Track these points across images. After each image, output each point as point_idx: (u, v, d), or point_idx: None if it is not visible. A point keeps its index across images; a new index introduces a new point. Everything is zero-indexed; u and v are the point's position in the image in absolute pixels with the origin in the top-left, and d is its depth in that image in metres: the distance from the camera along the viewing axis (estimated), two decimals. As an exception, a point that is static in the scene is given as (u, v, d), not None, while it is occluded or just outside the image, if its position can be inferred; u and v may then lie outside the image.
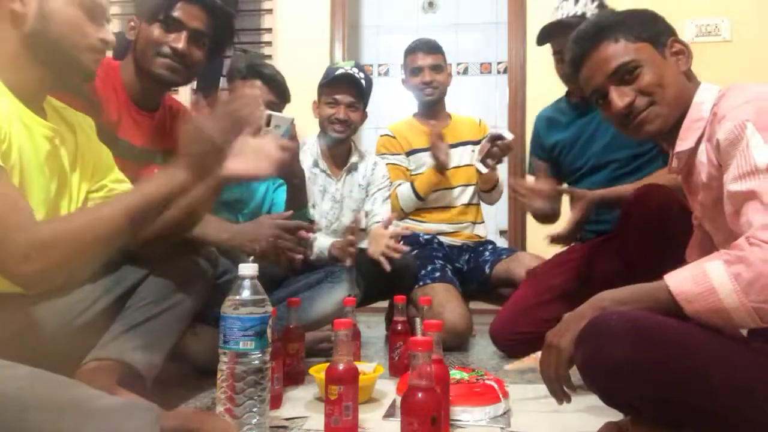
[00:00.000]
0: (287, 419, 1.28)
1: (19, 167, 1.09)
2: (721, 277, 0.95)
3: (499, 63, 4.02)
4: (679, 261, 1.20)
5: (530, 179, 2.19)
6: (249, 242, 1.72)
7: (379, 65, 4.16)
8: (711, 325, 0.97)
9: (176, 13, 1.56)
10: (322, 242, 2.14)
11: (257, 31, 3.48)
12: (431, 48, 2.55)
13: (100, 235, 1.08)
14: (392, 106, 3.35)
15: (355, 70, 2.26)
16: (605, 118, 1.29)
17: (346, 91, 2.24)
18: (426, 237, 2.47)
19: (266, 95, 1.97)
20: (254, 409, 1.02)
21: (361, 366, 1.39)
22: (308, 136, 2.35)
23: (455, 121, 2.65)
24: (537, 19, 2.15)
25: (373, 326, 2.65)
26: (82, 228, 1.07)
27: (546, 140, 2.13)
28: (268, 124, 1.56)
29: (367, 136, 3.64)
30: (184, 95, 3.29)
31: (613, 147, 1.95)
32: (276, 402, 1.33)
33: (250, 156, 1.27)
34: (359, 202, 2.40)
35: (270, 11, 3.45)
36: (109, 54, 1.31)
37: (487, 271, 2.39)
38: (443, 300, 2.18)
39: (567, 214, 1.90)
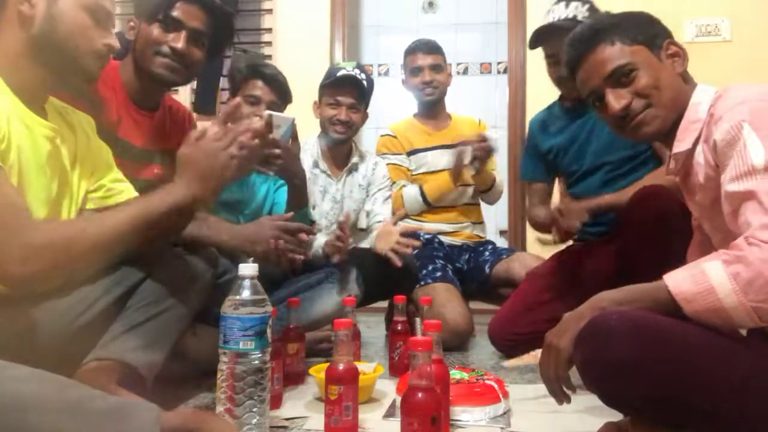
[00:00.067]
0: (287, 419, 1.28)
1: (18, 167, 1.09)
2: (720, 277, 0.95)
3: (499, 63, 4.02)
4: (679, 261, 1.20)
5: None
6: (249, 244, 1.72)
7: (379, 65, 4.16)
8: (710, 325, 0.97)
9: (175, 13, 1.56)
10: (319, 241, 2.14)
11: (257, 31, 3.48)
12: (431, 48, 2.55)
13: (99, 243, 1.09)
14: (392, 106, 3.35)
15: (357, 71, 2.26)
16: (602, 120, 1.29)
17: (347, 92, 2.24)
18: (426, 237, 2.47)
19: (267, 95, 1.97)
20: (254, 409, 1.02)
21: (361, 366, 1.39)
22: (308, 136, 2.35)
23: (455, 121, 2.65)
24: (537, 19, 2.15)
25: (373, 326, 2.65)
26: (81, 234, 1.07)
27: (541, 145, 2.13)
28: (268, 124, 1.56)
29: (368, 136, 3.64)
30: (184, 95, 3.29)
31: (608, 149, 1.96)
32: (276, 402, 1.33)
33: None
34: (359, 203, 2.40)
35: (270, 11, 3.45)
36: (109, 55, 1.31)
37: (487, 270, 2.39)
38: (444, 300, 2.18)
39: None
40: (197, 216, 1.48)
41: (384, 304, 2.41)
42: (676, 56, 1.21)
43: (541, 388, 1.13)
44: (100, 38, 1.19)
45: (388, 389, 1.47)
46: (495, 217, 3.36)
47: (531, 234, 3.10)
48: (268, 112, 1.61)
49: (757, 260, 0.92)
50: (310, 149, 2.31)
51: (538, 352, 1.13)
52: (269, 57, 3.33)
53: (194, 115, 2.05)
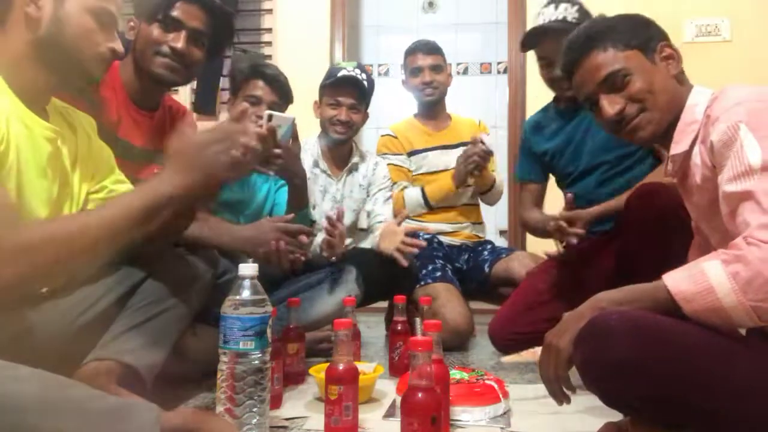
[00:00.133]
0: (287, 419, 1.28)
1: (17, 168, 1.09)
2: (719, 276, 0.95)
3: (499, 63, 4.02)
4: (679, 259, 1.20)
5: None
6: (250, 245, 1.72)
7: (379, 65, 4.16)
8: (709, 325, 0.97)
9: (175, 13, 1.56)
10: (316, 240, 2.14)
11: (257, 31, 3.48)
12: (431, 49, 2.55)
13: (88, 243, 1.05)
14: (392, 106, 3.35)
15: (358, 71, 2.26)
16: (598, 124, 1.29)
17: (348, 92, 2.24)
18: (426, 236, 2.47)
19: (269, 96, 1.97)
20: (254, 409, 1.02)
21: (361, 366, 1.39)
22: (309, 136, 2.35)
23: (455, 122, 2.65)
24: (537, 19, 2.16)
25: (373, 326, 2.65)
26: (69, 234, 1.03)
27: (535, 147, 2.14)
28: (269, 123, 1.56)
29: (368, 136, 3.64)
30: (184, 95, 3.29)
31: (603, 149, 1.96)
32: (276, 402, 1.33)
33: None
34: (360, 203, 2.40)
35: (270, 11, 3.45)
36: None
37: (487, 270, 2.39)
38: (444, 300, 2.18)
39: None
40: (198, 216, 1.48)
41: (384, 304, 2.41)
42: (671, 58, 1.21)
43: (541, 388, 1.13)
44: (105, 42, 1.19)
45: (388, 389, 1.47)
46: (495, 217, 3.36)
47: (531, 234, 3.11)
48: (268, 112, 1.61)
49: (756, 260, 0.92)
50: (311, 149, 2.31)
51: (537, 349, 1.13)
52: (269, 57, 3.33)
53: (194, 115, 2.05)
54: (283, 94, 2.00)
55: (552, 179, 2.20)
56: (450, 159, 2.47)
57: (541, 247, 2.16)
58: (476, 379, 1.37)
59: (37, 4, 1.13)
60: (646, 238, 1.59)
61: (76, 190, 1.25)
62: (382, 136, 2.63)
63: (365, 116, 2.33)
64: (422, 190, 2.48)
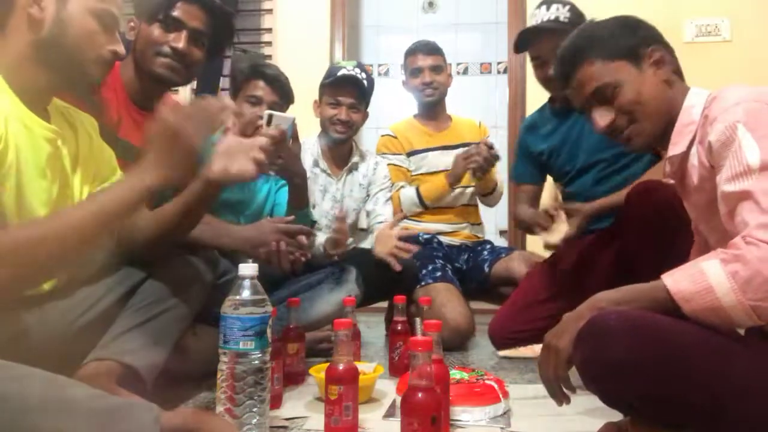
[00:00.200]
0: (287, 419, 1.29)
1: (16, 168, 1.09)
2: (718, 276, 0.95)
3: (499, 63, 4.02)
4: (680, 259, 1.21)
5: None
6: (251, 247, 1.73)
7: (379, 65, 4.16)
8: (709, 324, 0.97)
9: (176, 13, 1.56)
10: (320, 239, 2.14)
11: (257, 31, 3.48)
12: (431, 49, 2.55)
13: (67, 243, 1.04)
14: (392, 106, 3.36)
15: (357, 70, 2.26)
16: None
17: (348, 92, 2.24)
18: (426, 237, 2.48)
19: (269, 96, 1.97)
20: (254, 409, 1.02)
21: (361, 366, 1.39)
22: (308, 135, 2.35)
23: (456, 122, 2.65)
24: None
25: (373, 326, 2.65)
26: (47, 235, 1.02)
27: (531, 147, 2.14)
28: (269, 123, 1.56)
29: (368, 136, 3.64)
30: (184, 95, 3.29)
31: (599, 147, 1.96)
32: (276, 402, 1.33)
33: (238, 156, 1.23)
34: (360, 202, 2.41)
35: (270, 11, 3.45)
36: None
37: (486, 270, 2.39)
38: (445, 299, 2.18)
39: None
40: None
41: (384, 304, 2.42)
42: (660, 62, 1.21)
43: (541, 388, 1.13)
44: (107, 44, 1.19)
45: (388, 389, 1.47)
46: (495, 218, 3.36)
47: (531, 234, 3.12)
48: (268, 112, 1.61)
49: (755, 259, 0.92)
50: (310, 148, 2.31)
51: (536, 346, 1.13)
52: (269, 57, 3.33)
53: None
54: (283, 95, 2.00)
55: (549, 179, 2.20)
56: (450, 160, 2.47)
57: (541, 247, 2.16)
58: (476, 379, 1.37)
59: (40, 5, 1.13)
60: (645, 237, 1.59)
61: (76, 190, 1.25)
62: (382, 136, 2.63)
63: (365, 116, 2.33)
64: (417, 190, 2.48)
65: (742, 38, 3.07)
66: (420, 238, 2.47)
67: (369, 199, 2.42)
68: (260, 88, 1.97)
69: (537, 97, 2.21)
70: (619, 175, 1.93)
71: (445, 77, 2.56)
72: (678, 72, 1.24)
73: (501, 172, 2.66)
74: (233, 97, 2.04)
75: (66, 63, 1.17)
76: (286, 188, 1.96)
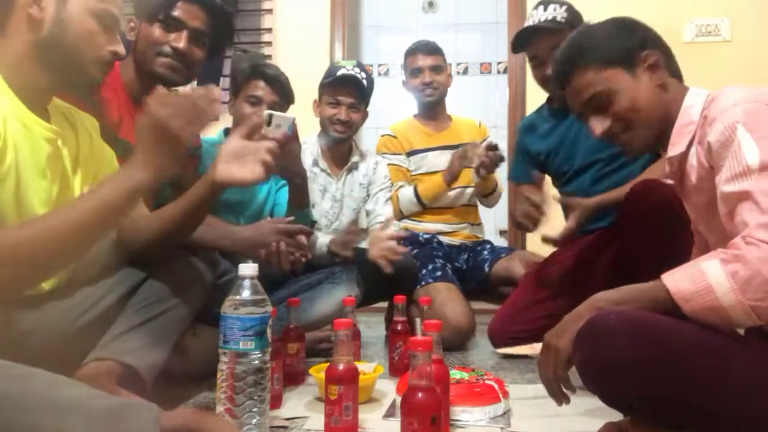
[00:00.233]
0: (287, 419, 1.29)
1: (15, 168, 1.09)
2: (718, 276, 0.95)
3: (499, 63, 4.02)
4: (679, 257, 1.21)
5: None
6: (251, 248, 1.73)
7: (379, 65, 4.16)
8: (708, 324, 0.98)
9: (176, 13, 1.56)
10: (322, 240, 2.14)
11: (257, 31, 3.48)
12: (431, 49, 2.56)
13: (52, 246, 1.02)
14: (392, 106, 3.36)
15: (357, 70, 2.26)
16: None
17: (347, 91, 2.24)
18: (425, 236, 2.48)
19: (269, 96, 1.97)
20: (254, 409, 1.02)
21: (361, 366, 1.39)
22: (308, 135, 2.35)
23: (456, 122, 2.65)
24: (536, 19, 2.17)
25: (373, 326, 2.65)
26: (41, 235, 1.01)
27: (530, 148, 2.14)
28: (269, 123, 1.56)
29: (368, 136, 3.64)
30: (184, 95, 3.29)
31: (597, 147, 1.96)
32: (276, 402, 1.33)
33: (245, 160, 1.22)
34: (360, 201, 2.41)
35: (270, 11, 3.45)
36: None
37: (487, 269, 2.40)
38: (445, 299, 2.19)
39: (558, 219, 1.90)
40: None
41: (384, 304, 2.42)
42: (655, 66, 1.20)
43: (542, 388, 1.13)
44: (107, 44, 1.19)
45: (388, 389, 1.47)
46: (495, 218, 3.36)
47: (531, 234, 3.11)
48: (268, 111, 1.61)
49: (755, 259, 0.92)
50: (310, 148, 2.31)
51: (536, 344, 1.14)
52: (269, 57, 3.33)
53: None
54: (283, 95, 2.01)
55: (548, 179, 2.20)
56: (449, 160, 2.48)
57: (541, 247, 2.16)
58: (476, 379, 1.37)
59: (40, 5, 1.13)
60: (645, 236, 1.59)
61: (76, 190, 1.24)
62: (382, 136, 2.63)
63: (365, 115, 2.33)
64: (415, 189, 2.48)
65: (742, 38, 3.07)
66: (420, 238, 2.47)
67: (369, 198, 2.42)
68: (260, 88, 1.98)
69: (537, 97, 2.21)
70: (616, 174, 1.94)
71: (445, 77, 2.56)
72: (675, 73, 1.23)
73: (500, 172, 2.66)
74: (233, 98, 2.04)
75: (66, 63, 1.16)
76: (286, 188, 1.96)
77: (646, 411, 1.00)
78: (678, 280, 0.99)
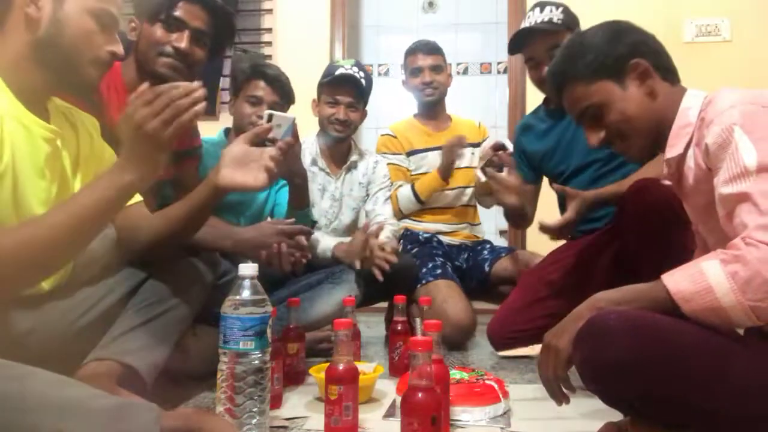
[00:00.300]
0: (287, 419, 1.29)
1: (12, 168, 1.09)
2: (718, 276, 0.95)
3: (499, 63, 4.02)
4: (678, 255, 1.21)
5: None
6: (252, 249, 1.73)
7: (379, 65, 4.16)
8: (708, 324, 0.98)
9: (178, 13, 1.56)
10: (325, 243, 2.13)
11: (257, 31, 3.48)
12: (431, 49, 2.56)
13: (37, 251, 1.01)
14: (392, 106, 3.35)
15: (355, 69, 2.26)
16: None
17: (346, 91, 2.24)
18: (425, 236, 2.48)
19: (269, 96, 1.97)
20: (254, 409, 1.02)
21: (361, 366, 1.40)
22: (307, 135, 2.35)
23: (455, 123, 2.65)
24: (537, 19, 2.17)
25: (373, 326, 2.65)
26: (17, 244, 1.00)
27: (527, 149, 2.14)
28: (269, 123, 1.56)
29: (367, 136, 3.64)
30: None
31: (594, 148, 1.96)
32: (276, 402, 1.33)
33: (248, 166, 1.23)
34: (359, 201, 2.41)
35: (270, 11, 3.45)
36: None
37: (487, 269, 2.40)
38: (446, 296, 2.19)
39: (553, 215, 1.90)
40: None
41: (384, 304, 2.42)
42: (645, 75, 1.20)
43: (542, 388, 1.13)
44: (105, 44, 1.18)
45: (388, 389, 1.47)
46: (495, 218, 3.36)
47: (531, 234, 3.12)
48: (268, 111, 1.61)
49: (755, 260, 0.93)
50: (309, 147, 2.31)
51: (535, 345, 1.14)
52: (269, 57, 3.33)
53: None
54: (284, 95, 2.01)
55: (545, 180, 2.20)
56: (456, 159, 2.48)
57: (542, 247, 2.16)
58: (476, 379, 1.37)
59: (37, 4, 1.12)
60: (643, 234, 1.59)
61: (76, 190, 1.24)
62: (382, 135, 2.63)
63: (363, 114, 2.33)
64: (412, 186, 2.48)
65: (742, 38, 3.07)
66: (420, 237, 2.47)
67: (369, 198, 2.42)
68: (261, 88, 1.98)
69: (536, 97, 2.21)
70: (614, 174, 1.93)
71: (445, 77, 2.56)
72: (669, 76, 1.22)
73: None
74: (234, 98, 2.04)
75: (63, 63, 1.16)
76: (287, 188, 1.96)
77: (646, 411, 1.00)
78: (678, 281, 0.99)
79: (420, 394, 0.98)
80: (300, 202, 1.91)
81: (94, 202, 1.05)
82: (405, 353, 1.59)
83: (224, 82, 3.28)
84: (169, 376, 1.31)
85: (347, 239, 2.18)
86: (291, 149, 1.64)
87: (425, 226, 2.52)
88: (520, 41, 2.03)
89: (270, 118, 1.57)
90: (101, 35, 1.18)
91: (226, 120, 2.16)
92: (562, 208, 1.89)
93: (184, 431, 0.91)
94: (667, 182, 1.27)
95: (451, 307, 2.15)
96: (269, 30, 3.45)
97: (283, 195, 2.11)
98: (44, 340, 1.17)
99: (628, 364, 0.95)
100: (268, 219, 2.13)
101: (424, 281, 2.27)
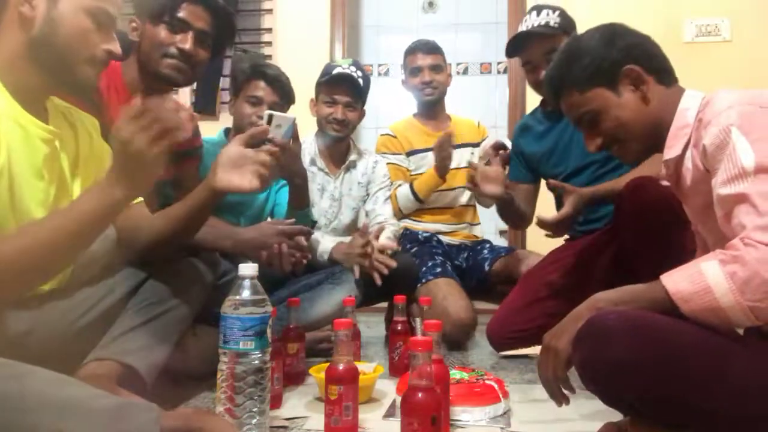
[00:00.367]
0: (287, 419, 1.29)
1: (8, 169, 1.08)
2: (716, 277, 0.95)
3: (499, 63, 4.02)
4: (677, 254, 1.21)
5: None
6: (252, 250, 1.73)
7: (379, 65, 4.16)
8: (707, 325, 0.98)
9: (182, 14, 1.56)
10: (324, 245, 2.13)
11: (257, 31, 3.48)
12: (431, 48, 2.56)
13: (26, 265, 1.00)
14: (392, 106, 3.36)
15: (353, 68, 2.26)
16: None
17: (344, 90, 2.24)
18: (425, 235, 2.49)
19: (270, 96, 1.97)
20: (254, 409, 1.03)
21: (361, 366, 1.40)
22: (307, 135, 2.35)
23: (455, 122, 2.65)
24: (537, 19, 2.17)
25: (373, 326, 2.65)
26: (6, 256, 0.99)
27: (525, 150, 2.14)
28: (269, 123, 1.56)
29: (367, 136, 3.64)
30: (183, 95, 3.30)
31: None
32: (276, 402, 1.33)
33: (244, 168, 1.23)
34: (359, 200, 2.41)
35: (270, 11, 3.45)
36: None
37: (486, 268, 2.40)
38: (446, 294, 2.20)
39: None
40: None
41: (384, 304, 2.42)
42: (638, 80, 1.20)
43: (542, 388, 1.13)
44: (101, 43, 1.17)
45: (388, 389, 1.47)
46: (495, 218, 3.34)
47: (531, 234, 3.12)
48: (268, 111, 1.61)
49: (754, 260, 0.93)
50: (308, 147, 2.31)
51: (535, 346, 1.14)
52: (269, 57, 3.33)
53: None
54: (284, 95, 2.01)
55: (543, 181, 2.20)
56: (459, 159, 2.48)
57: (542, 247, 2.16)
58: (476, 379, 1.37)
59: (31, 3, 1.11)
60: (641, 233, 1.59)
61: (76, 191, 1.24)
62: (381, 135, 2.63)
63: (362, 114, 2.33)
64: (410, 185, 2.48)
65: (742, 38, 3.07)
66: (419, 236, 2.47)
67: (368, 198, 2.42)
68: (261, 89, 1.98)
69: (536, 97, 2.21)
70: (612, 175, 1.93)
71: (444, 77, 2.56)
72: (665, 79, 1.22)
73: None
74: (234, 98, 2.04)
75: (58, 62, 1.15)
76: (287, 188, 1.96)
77: (646, 411, 1.00)
78: (677, 281, 0.99)
79: (420, 394, 0.98)
80: (300, 202, 1.91)
81: (79, 218, 1.04)
82: (405, 353, 1.59)
83: (224, 82, 3.28)
84: (169, 376, 1.31)
85: (347, 239, 2.18)
86: (286, 151, 1.64)
87: (425, 226, 2.52)
88: (518, 45, 2.04)
89: (270, 118, 1.57)
90: (97, 34, 1.17)
91: (226, 120, 2.16)
92: (560, 207, 1.89)
93: (184, 431, 0.91)
94: (665, 183, 1.27)
95: (451, 304, 2.15)
96: (269, 30, 3.45)
97: (283, 195, 2.11)
98: (44, 341, 1.17)
99: (628, 364, 0.95)
100: (268, 219, 2.13)
101: (424, 280, 2.27)
